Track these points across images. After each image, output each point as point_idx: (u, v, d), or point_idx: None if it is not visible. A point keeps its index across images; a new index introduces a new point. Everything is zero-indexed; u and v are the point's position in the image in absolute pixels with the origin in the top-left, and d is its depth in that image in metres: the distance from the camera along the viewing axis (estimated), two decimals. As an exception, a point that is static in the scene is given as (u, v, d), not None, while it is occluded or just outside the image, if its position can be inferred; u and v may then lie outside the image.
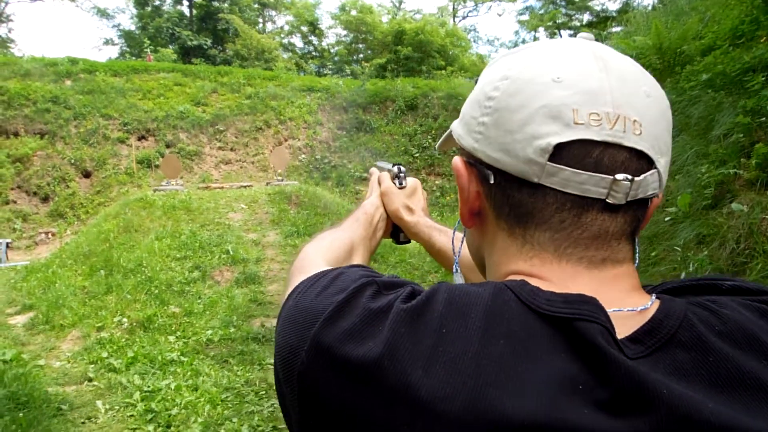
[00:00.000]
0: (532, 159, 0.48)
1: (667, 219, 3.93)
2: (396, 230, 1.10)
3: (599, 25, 19.46)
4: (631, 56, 3.92)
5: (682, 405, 0.38)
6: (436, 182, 16.40)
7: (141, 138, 15.08)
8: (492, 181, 0.53)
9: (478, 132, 0.53)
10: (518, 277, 0.50)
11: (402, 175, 1.09)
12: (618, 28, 18.52)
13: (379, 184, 1.08)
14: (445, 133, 0.68)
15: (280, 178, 14.38)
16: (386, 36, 24.35)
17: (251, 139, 16.48)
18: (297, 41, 30.91)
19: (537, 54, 0.52)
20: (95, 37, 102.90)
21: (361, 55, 27.12)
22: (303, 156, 16.45)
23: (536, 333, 0.43)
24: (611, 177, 0.47)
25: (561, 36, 23.38)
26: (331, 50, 27.88)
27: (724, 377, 0.42)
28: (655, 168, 0.49)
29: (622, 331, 0.45)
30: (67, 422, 3.88)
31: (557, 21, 21.08)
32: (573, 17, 20.80)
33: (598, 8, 19.15)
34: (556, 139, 0.47)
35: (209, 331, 5.56)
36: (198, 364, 4.81)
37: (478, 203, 0.57)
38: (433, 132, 17.02)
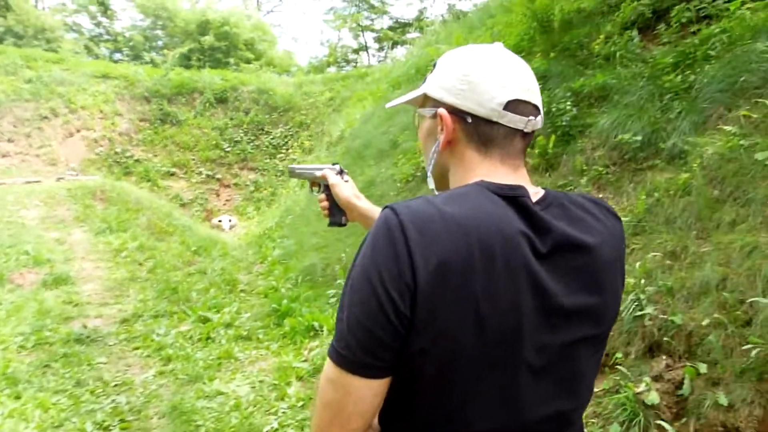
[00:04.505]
0: (494, 108, 0.88)
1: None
2: (339, 215, 1.43)
3: (398, 30, 21.10)
4: (434, 61, 4.66)
5: (564, 233, 0.84)
6: (250, 177, 16.20)
7: None
8: (469, 121, 0.90)
9: (459, 94, 0.90)
10: (480, 179, 0.87)
11: (345, 171, 1.46)
12: (415, 35, 20.31)
13: (325, 179, 1.44)
14: (412, 96, 1.01)
15: (73, 172, 12.96)
16: (189, 24, 23.15)
17: (34, 129, 14.47)
18: (84, 21, 27.64)
19: (486, 55, 0.92)
20: None
21: (160, 42, 25.36)
22: (100, 149, 14.97)
23: (499, 204, 0.82)
24: (527, 118, 0.89)
25: (364, 36, 24.68)
26: (126, 34, 25.54)
27: (573, 219, 0.88)
28: (541, 116, 0.92)
29: (533, 199, 0.86)
30: None
31: (360, 23, 22.28)
32: (374, 20, 22.26)
33: (397, 15, 20.87)
34: (506, 99, 0.88)
35: (19, 338, 4.99)
36: (13, 372, 4.34)
37: (454, 135, 0.92)
38: (245, 126, 16.75)
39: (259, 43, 24.71)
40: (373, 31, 22.91)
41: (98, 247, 7.76)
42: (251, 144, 16.69)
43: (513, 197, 0.83)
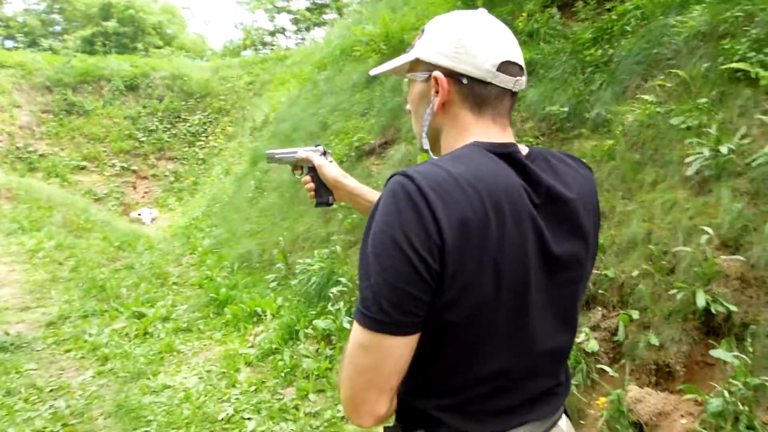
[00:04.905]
0: (489, 69, 0.93)
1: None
2: (326, 195, 1.46)
3: (315, 11, 20.78)
4: (362, 42, 4.72)
5: (551, 186, 0.91)
6: (168, 167, 15.53)
7: None
8: (465, 82, 0.94)
9: (454, 57, 0.94)
10: (474, 140, 0.93)
11: (328, 152, 1.48)
12: (333, 15, 20.11)
13: (309, 161, 1.47)
14: (401, 63, 1.04)
15: (-31, 171, 11.89)
16: (90, 7, 21.63)
17: None
18: (-34, 6, 25.07)
19: (475, 20, 0.96)
20: None
21: (59, 27, 23.53)
22: (0, 144, 13.80)
23: (497, 161, 0.88)
24: (516, 78, 0.95)
25: (280, 18, 24.09)
26: (19, 20, 23.43)
27: (556, 171, 0.95)
28: (525, 75, 0.98)
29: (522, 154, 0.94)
30: None
31: (276, 5, 21.74)
32: (290, 1, 21.81)
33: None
34: (498, 60, 0.93)
35: (-68, 351, 4.60)
36: (-68, 386, 4.01)
37: (449, 97, 0.96)
38: (160, 114, 15.99)
39: (168, 27, 23.54)
40: (289, 12, 22.42)
41: (10, 248, 7.23)
42: (168, 132, 15.97)
43: (507, 153, 0.90)
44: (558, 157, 0.99)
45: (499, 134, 0.95)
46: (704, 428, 2.25)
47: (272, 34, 23.72)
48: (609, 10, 4.35)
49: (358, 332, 0.84)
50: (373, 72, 1.16)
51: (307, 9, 21.63)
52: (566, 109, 3.95)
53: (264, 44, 23.27)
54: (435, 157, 0.95)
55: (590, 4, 4.52)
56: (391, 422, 0.95)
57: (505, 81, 0.93)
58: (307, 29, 22.54)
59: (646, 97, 3.54)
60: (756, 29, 3.25)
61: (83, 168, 14.55)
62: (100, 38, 20.94)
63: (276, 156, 1.54)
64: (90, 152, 14.79)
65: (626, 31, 4.03)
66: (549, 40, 4.61)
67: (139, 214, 12.69)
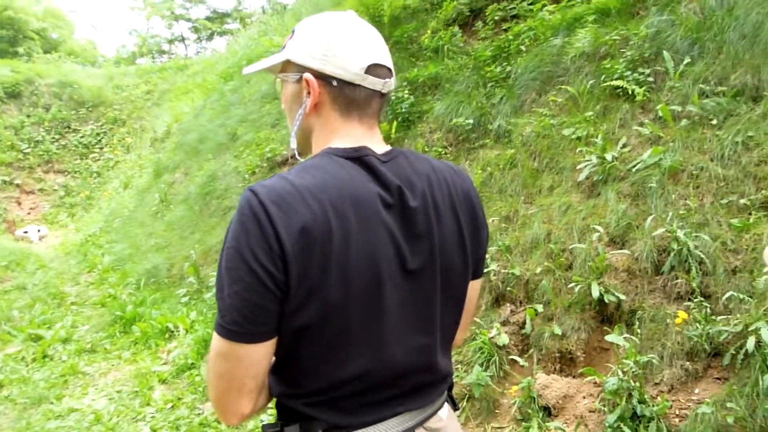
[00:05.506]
0: (357, 72, 0.94)
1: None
2: None
3: (216, 20, 20.27)
4: (270, 53, 4.79)
5: (401, 184, 0.93)
6: (58, 180, 14.48)
7: None
8: (335, 84, 0.96)
9: (323, 59, 0.95)
10: (335, 143, 0.96)
11: None
12: (235, 25, 19.74)
13: None
14: (272, 63, 1.03)
15: None
16: (-40, 7, 19.67)
17: None
18: None
19: (344, 22, 0.98)
20: None
21: None
22: None
23: (348, 167, 0.92)
24: (384, 80, 0.97)
25: (179, 25, 23.25)
26: None
27: (413, 170, 0.97)
28: (393, 77, 1.01)
29: (379, 154, 0.97)
30: None
31: (174, 12, 20.96)
32: (190, 10, 21.07)
33: (215, 4, 20.04)
34: (367, 63, 0.94)
35: None
36: None
37: (320, 99, 0.97)
38: (46, 124, 14.88)
39: (53, 31, 21.94)
40: (188, 20, 21.67)
41: None
42: (56, 144, 14.90)
43: (357, 158, 0.93)
44: (421, 157, 1.03)
45: (364, 135, 0.98)
46: (603, 406, 2.52)
47: (170, 42, 22.83)
48: (506, 30, 4.72)
49: (215, 341, 0.88)
50: (245, 71, 1.16)
51: (207, 18, 21.05)
52: (471, 121, 4.23)
53: (162, 52, 22.34)
54: (301, 159, 1.00)
55: (489, 24, 4.87)
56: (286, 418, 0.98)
57: (373, 83, 0.95)
58: (209, 38, 21.94)
59: (541, 110, 3.89)
60: (631, 51, 3.70)
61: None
62: (-27, 41, 19.13)
63: None
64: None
65: (521, 50, 4.40)
66: (452, 56, 4.90)
67: (26, 232, 11.70)
